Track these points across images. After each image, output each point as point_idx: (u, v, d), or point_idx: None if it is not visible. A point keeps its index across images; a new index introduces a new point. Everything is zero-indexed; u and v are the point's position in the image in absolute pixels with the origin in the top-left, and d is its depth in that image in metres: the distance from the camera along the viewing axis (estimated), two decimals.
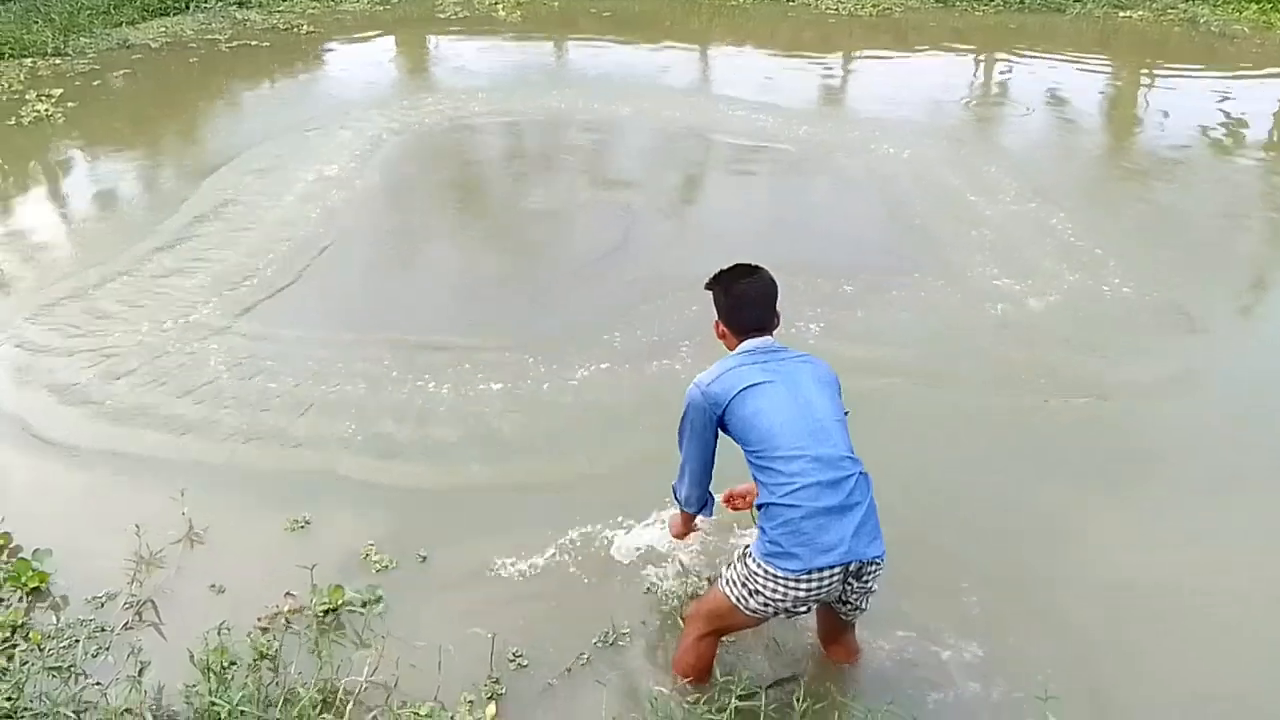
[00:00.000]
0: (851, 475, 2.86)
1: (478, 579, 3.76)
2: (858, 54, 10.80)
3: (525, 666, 3.37)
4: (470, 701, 3.22)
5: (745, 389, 2.92)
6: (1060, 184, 7.37)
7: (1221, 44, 11.15)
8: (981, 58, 10.75)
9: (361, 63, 10.16)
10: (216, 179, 7.21)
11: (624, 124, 8.44)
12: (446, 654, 3.33)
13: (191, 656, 3.23)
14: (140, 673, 3.26)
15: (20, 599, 3.62)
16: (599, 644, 3.46)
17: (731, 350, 3.10)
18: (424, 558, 3.84)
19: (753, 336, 3.06)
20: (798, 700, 3.11)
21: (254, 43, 10.59)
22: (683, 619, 3.40)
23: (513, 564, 3.81)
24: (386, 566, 3.80)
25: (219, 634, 3.33)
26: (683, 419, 3.09)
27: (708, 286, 3.16)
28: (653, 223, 6.69)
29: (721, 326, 3.13)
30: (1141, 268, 6.03)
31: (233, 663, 3.29)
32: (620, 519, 3.99)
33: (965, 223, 6.62)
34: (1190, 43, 11.23)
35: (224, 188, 7.06)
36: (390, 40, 11.10)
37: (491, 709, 3.20)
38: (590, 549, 3.89)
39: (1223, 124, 8.74)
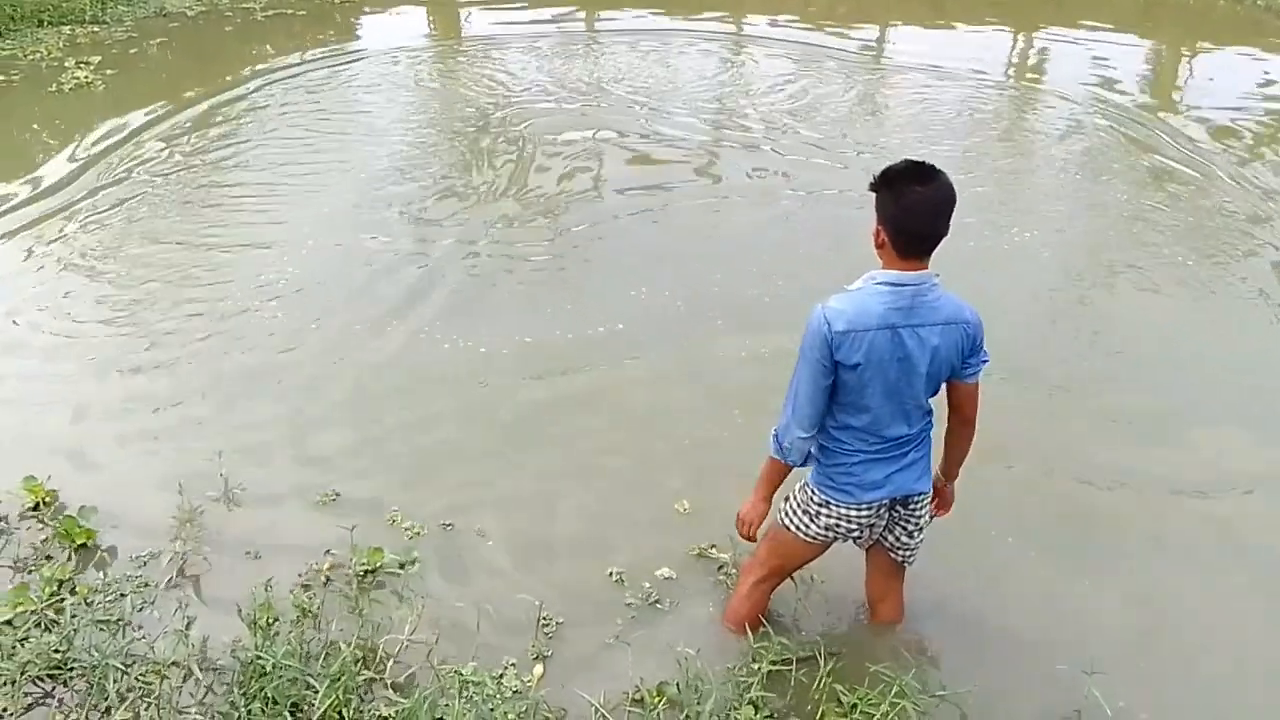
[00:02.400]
0: (913, 439, 2.91)
1: (509, 543, 3.82)
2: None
3: (561, 624, 3.42)
4: (512, 665, 3.26)
5: (864, 346, 2.69)
6: None
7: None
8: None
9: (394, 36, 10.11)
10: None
11: None
12: (486, 614, 3.38)
13: (239, 611, 3.30)
14: (187, 627, 3.33)
15: (68, 556, 3.71)
16: (638, 603, 3.51)
17: (884, 267, 2.74)
18: (449, 525, 3.88)
19: (916, 257, 2.69)
20: (825, 668, 3.16)
21: (289, 11, 10.61)
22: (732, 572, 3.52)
23: (549, 526, 3.87)
24: (418, 533, 3.84)
25: (266, 590, 3.39)
26: (801, 343, 2.78)
27: (873, 187, 2.71)
28: None
29: (883, 236, 2.71)
30: None
31: (275, 619, 3.36)
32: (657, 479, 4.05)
33: None
34: None
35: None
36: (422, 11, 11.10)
37: (539, 670, 3.26)
38: (624, 508, 3.95)
39: None
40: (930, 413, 2.93)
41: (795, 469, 2.98)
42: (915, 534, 3.11)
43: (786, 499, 3.12)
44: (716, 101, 8.38)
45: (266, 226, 6.12)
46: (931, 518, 3.16)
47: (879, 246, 2.75)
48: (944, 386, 2.90)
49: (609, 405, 4.60)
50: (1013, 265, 5.89)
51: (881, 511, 3.00)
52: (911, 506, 3.02)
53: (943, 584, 3.57)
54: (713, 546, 3.76)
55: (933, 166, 2.67)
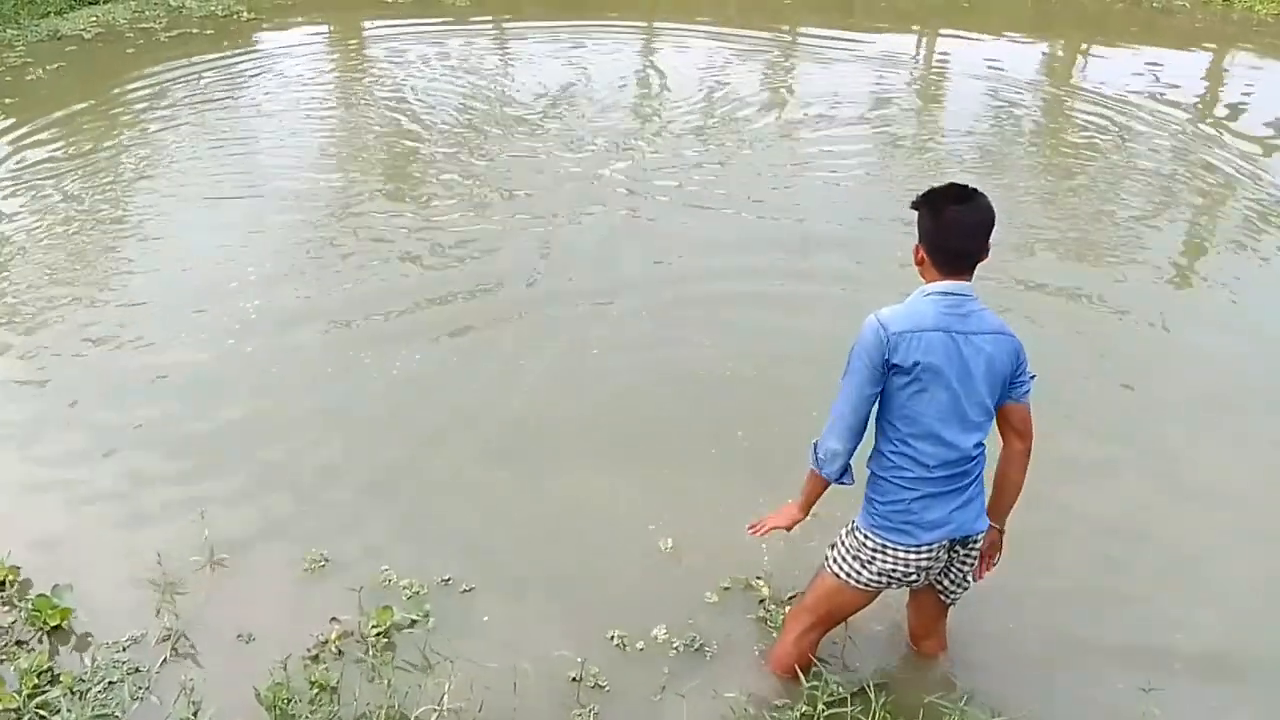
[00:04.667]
0: (973, 462, 2.81)
1: (520, 597, 3.62)
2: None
3: (599, 678, 3.24)
4: None
5: (921, 346, 2.67)
6: None
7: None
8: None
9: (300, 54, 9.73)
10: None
11: None
12: (523, 674, 3.18)
13: (258, 694, 3.04)
14: (195, 715, 3.04)
15: (41, 639, 3.37)
16: (680, 651, 3.36)
17: (927, 282, 2.78)
18: (447, 580, 3.65)
19: (956, 274, 2.73)
20: (877, 704, 3.06)
21: (194, 30, 10.10)
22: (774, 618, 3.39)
23: (562, 576, 3.68)
24: (418, 591, 3.58)
25: (284, 668, 3.12)
26: (851, 353, 2.78)
27: (915, 205, 2.79)
28: None
29: (922, 253, 2.77)
30: None
31: (290, 698, 3.09)
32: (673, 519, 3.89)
33: None
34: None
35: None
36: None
37: None
38: (649, 550, 3.79)
39: None
40: (986, 431, 2.83)
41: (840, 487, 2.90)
42: (970, 576, 3.02)
43: (833, 545, 3.01)
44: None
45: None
46: (975, 577, 3.05)
47: (919, 264, 2.82)
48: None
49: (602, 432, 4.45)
50: None
51: (940, 553, 2.87)
52: (970, 546, 2.92)
53: (981, 604, 3.50)
54: (758, 578, 3.65)
55: (973, 188, 2.75)
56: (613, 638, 3.39)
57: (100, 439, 4.34)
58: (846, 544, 2.95)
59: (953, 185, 2.79)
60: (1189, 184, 7.23)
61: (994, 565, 3.09)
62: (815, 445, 2.86)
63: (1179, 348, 5.26)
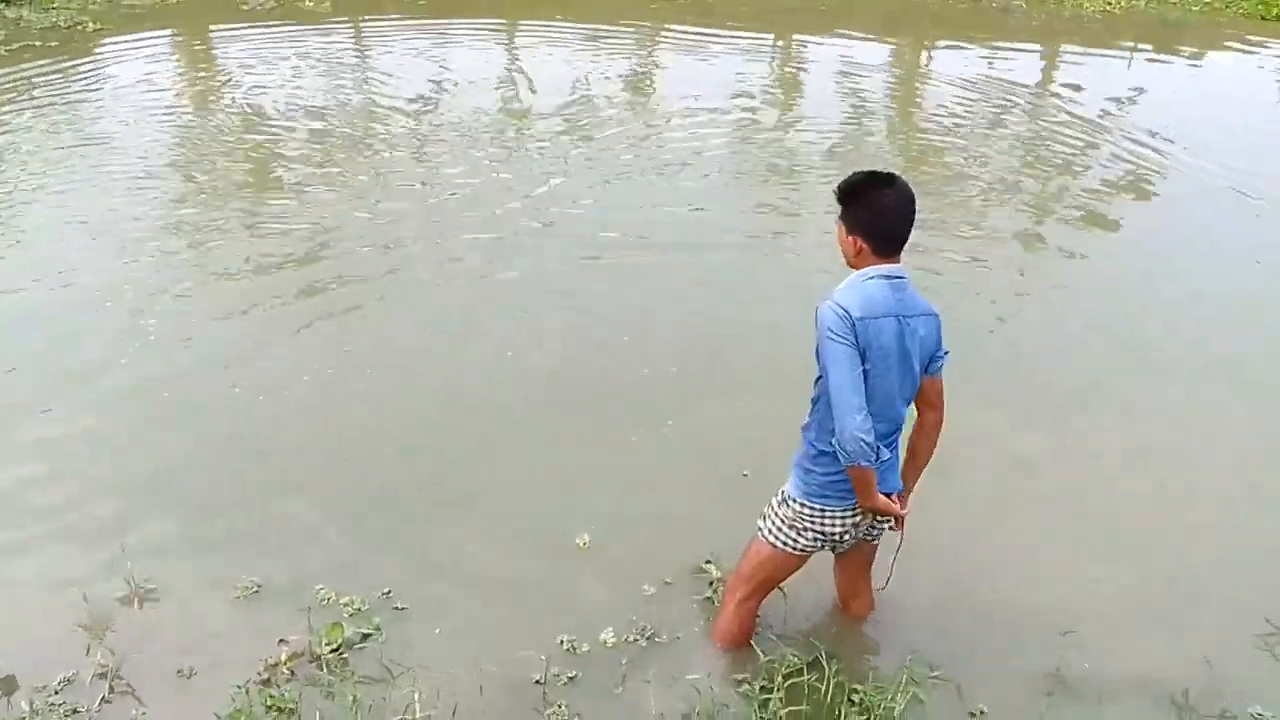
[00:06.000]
0: (899, 430, 2.98)
1: (470, 597, 3.61)
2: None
3: (572, 682, 3.27)
4: None
5: (875, 330, 2.76)
6: None
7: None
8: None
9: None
10: None
11: None
12: (489, 676, 3.19)
13: None
14: None
15: None
16: (633, 641, 3.42)
17: (857, 269, 2.85)
18: (388, 593, 3.59)
19: (892, 255, 2.83)
20: (830, 671, 3.20)
21: (37, 43, 9.52)
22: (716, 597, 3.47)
23: (500, 573, 3.70)
24: (359, 609, 3.50)
25: (246, 692, 3.03)
26: (820, 345, 2.79)
27: (838, 192, 2.85)
28: None
29: (859, 242, 2.82)
30: None
31: None
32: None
33: None
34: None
35: None
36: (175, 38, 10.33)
37: None
38: (569, 540, 3.85)
39: None
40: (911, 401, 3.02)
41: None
42: (884, 524, 3.16)
43: (764, 517, 3.15)
44: None
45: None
46: (893, 532, 3.18)
47: (856, 255, 2.86)
48: None
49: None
50: None
51: (868, 513, 3.02)
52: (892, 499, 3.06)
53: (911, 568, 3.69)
54: (707, 562, 3.74)
55: (889, 173, 2.87)
56: (562, 642, 3.40)
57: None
58: (780, 514, 3.08)
59: (871, 172, 2.85)
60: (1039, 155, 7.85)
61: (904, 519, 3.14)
62: (840, 445, 2.77)
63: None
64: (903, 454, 3.11)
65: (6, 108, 7.96)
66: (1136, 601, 3.72)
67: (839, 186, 2.89)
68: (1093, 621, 3.59)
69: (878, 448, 2.80)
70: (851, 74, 9.83)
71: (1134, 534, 4.06)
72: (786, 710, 3.10)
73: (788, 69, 10.24)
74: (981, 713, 3.21)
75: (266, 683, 3.22)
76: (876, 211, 2.82)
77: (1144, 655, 3.49)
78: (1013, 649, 3.49)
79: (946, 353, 3.01)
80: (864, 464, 2.78)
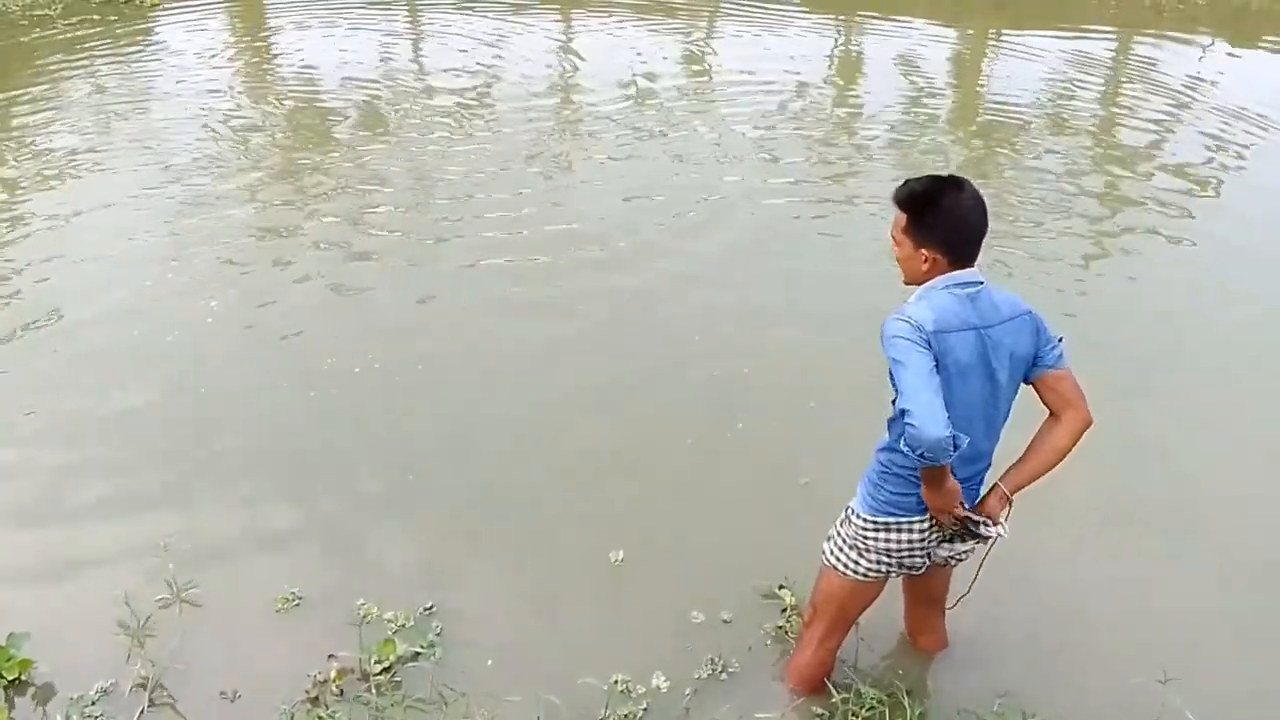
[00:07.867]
0: (986, 461, 2.69)
1: (521, 618, 3.43)
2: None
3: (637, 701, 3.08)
4: None
5: (950, 343, 2.47)
6: None
7: None
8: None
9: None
10: None
11: None
12: (549, 706, 2.99)
13: None
14: None
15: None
16: (705, 677, 3.20)
17: (924, 282, 2.57)
18: (430, 608, 3.41)
19: (968, 261, 2.56)
20: (912, 712, 2.97)
21: (95, 16, 9.47)
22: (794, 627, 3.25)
23: (559, 600, 3.50)
24: (404, 625, 3.32)
25: (291, 717, 2.87)
26: (888, 352, 2.46)
27: (905, 202, 2.56)
28: None
29: (931, 255, 2.53)
30: None
31: None
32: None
33: None
34: None
35: None
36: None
37: None
38: (647, 567, 3.62)
39: None
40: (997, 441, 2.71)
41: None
42: (961, 547, 2.80)
43: (829, 538, 2.87)
44: None
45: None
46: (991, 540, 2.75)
47: (927, 270, 2.56)
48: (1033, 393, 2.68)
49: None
50: None
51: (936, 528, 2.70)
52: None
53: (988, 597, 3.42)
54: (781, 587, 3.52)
55: (952, 175, 2.62)
56: (617, 682, 3.15)
57: (47, 474, 3.99)
58: (843, 534, 2.81)
59: (934, 177, 2.60)
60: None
61: (1000, 526, 2.68)
62: (908, 441, 2.35)
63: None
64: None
65: (67, 75, 7.90)
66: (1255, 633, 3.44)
67: (902, 197, 2.57)
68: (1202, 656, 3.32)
69: (954, 438, 2.34)
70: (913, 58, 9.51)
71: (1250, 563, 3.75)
72: None
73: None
74: None
75: (314, 701, 3.06)
76: (958, 219, 2.53)
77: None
78: (1107, 691, 3.22)
79: (1060, 339, 2.65)
80: (944, 461, 2.37)
